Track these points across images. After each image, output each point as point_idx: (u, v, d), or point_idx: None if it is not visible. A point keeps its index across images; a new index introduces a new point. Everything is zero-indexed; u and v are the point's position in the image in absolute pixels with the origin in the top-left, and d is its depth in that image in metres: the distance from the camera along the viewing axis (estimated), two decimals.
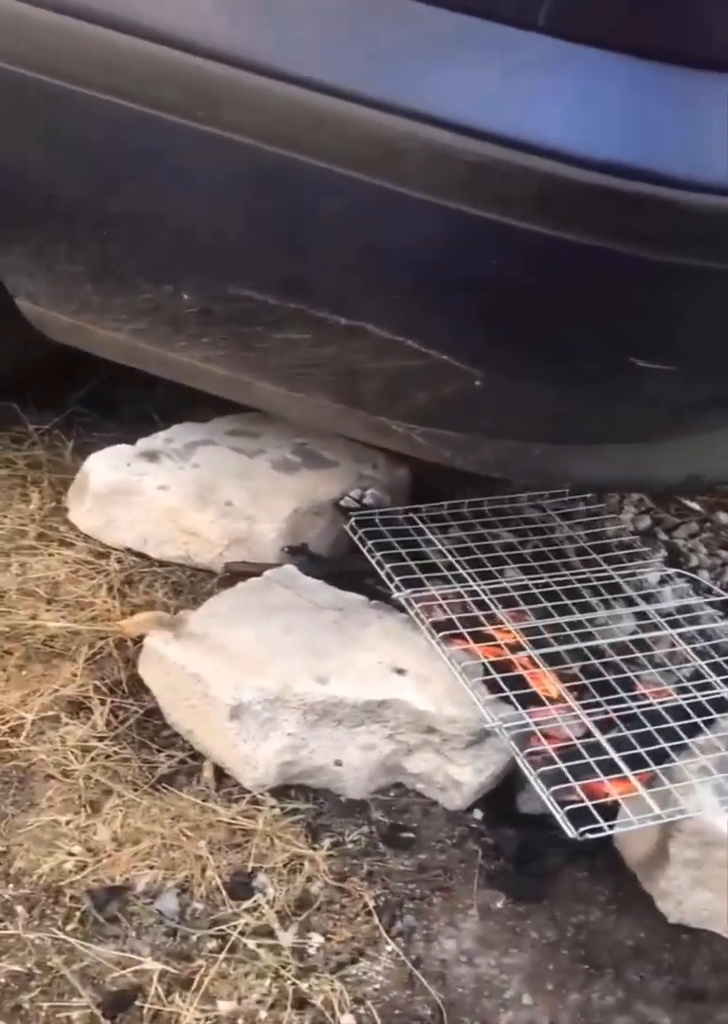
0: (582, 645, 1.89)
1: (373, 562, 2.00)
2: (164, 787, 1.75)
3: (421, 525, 2.14)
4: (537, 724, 1.71)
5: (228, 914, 1.58)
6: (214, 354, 1.80)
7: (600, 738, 1.69)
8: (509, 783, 1.78)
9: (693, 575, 2.23)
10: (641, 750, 1.67)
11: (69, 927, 1.55)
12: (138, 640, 1.93)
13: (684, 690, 1.82)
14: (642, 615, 2.02)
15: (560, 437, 1.74)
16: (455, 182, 1.40)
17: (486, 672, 1.79)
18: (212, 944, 1.55)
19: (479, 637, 1.88)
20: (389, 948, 1.57)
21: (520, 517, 2.27)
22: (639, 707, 1.76)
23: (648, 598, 2.08)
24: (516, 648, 1.87)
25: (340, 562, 2.16)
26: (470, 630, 1.88)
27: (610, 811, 1.61)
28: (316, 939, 1.57)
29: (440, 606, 1.93)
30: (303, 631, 1.86)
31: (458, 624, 1.88)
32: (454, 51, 1.40)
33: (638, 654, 1.91)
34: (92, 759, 1.78)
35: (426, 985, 1.53)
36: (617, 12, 1.34)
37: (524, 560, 2.12)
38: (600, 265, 1.43)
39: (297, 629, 1.86)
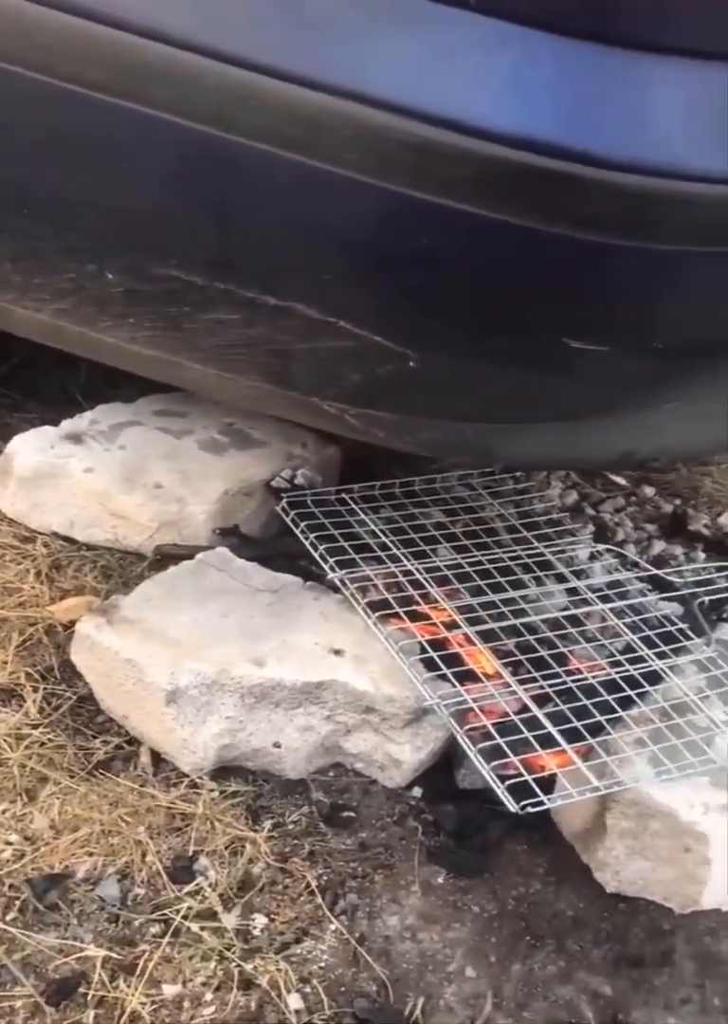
0: (516, 622, 1.93)
1: (307, 543, 2.02)
2: (101, 773, 1.77)
3: (353, 505, 2.16)
4: (475, 700, 1.74)
5: (170, 898, 1.60)
6: (141, 334, 1.80)
7: (537, 712, 1.73)
8: (447, 760, 1.83)
9: (620, 550, 2.28)
10: (577, 723, 1.71)
11: (9, 917, 1.56)
12: (69, 626, 1.94)
13: (617, 664, 1.87)
14: (573, 591, 2.07)
15: (494, 417, 1.76)
16: (379, 161, 1.40)
17: (423, 651, 1.82)
18: (155, 929, 1.57)
19: (414, 616, 1.91)
20: (333, 927, 1.60)
21: (451, 496, 2.30)
22: (574, 681, 1.81)
23: (579, 574, 2.13)
24: (451, 626, 1.90)
25: (272, 543, 2.18)
26: (406, 609, 1.91)
27: (548, 784, 1.65)
28: (260, 920, 1.59)
29: (375, 586, 1.96)
30: (239, 614, 1.87)
31: (393, 603, 1.91)
32: (380, 27, 1.39)
33: (571, 629, 1.95)
34: (26, 747, 1.78)
35: (371, 962, 1.56)
36: None
37: (456, 538, 2.15)
38: (530, 245, 1.44)
39: (233, 612, 1.88)
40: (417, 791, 1.82)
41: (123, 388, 2.36)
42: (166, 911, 1.59)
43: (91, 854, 1.65)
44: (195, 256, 1.59)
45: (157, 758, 1.80)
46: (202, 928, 1.57)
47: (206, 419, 2.35)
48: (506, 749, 1.65)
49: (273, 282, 1.55)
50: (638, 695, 1.80)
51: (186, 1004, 1.48)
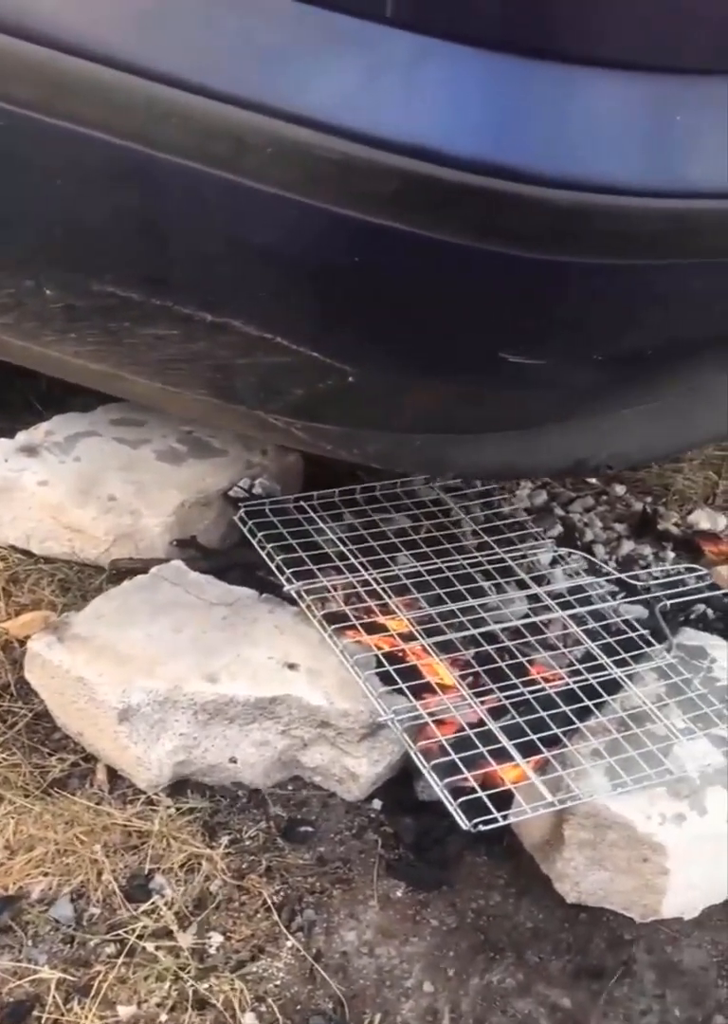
0: (475, 631, 1.94)
1: (264, 554, 2.03)
2: (56, 791, 1.79)
3: (312, 514, 2.17)
4: (430, 714, 1.76)
5: (126, 918, 1.62)
6: (84, 349, 1.81)
7: (492, 726, 1.74)
8: (407, 772, 1.83)
9: (584, 554, 2.29)
10: (533, 736, 1.73)
11: None
12: (24, 641, 1.94)
13: (576, 672, 1.89)
14: (534, 597, 2.08)
15: (441, 428, 1.77)
16: (303, 177, 1.41)
17: (379, 663, 1.83)
18: (110, 949, 1.59)
19: (372, 627, 1.92)
20: (289, 944, 1.62)
21: (414, 501, 2.31)
22: (531, 692, 1.82)
23: (540, 580, 2.14)
24: (409, 637, 1.92)
25: (231, 554, 2.19)
26: (363, 621, 1.92)
27: (505, 799, 1.66)
28: (216, 938, 1.61)
29: (333, 597, 1.97)
30: (192, 629, 1.89)
31: (350, 616, 1.92)
32: (301, 43, 1.39)
33: (530, 638, 1.97)
34: None
35: (327, 979, 1.58)
36: (461, 4, 1.34)
37: (417, 546, 2.16)
38: (461, 262, 1.44)
39: (186, 627, 1.89)
40: (377, 804, 1.84)
41: (83, 397, 2.35)
42: (121, 931, 1.61)
43: (46, 874, 1.67)
44: (130, 272, 1.60)
45: (113, 775, 1.82)
46: (157, 947, 1.59)
47: (164, 428, 2.36)
48: (460, 765, 1.67)
49: (209, 299, 1.56)
50: (596, 705, 1.82)
51: None
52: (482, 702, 1.80)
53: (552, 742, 1.74)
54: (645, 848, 1.63)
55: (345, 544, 2.11)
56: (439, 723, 1.75)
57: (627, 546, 2.44)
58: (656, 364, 1.61)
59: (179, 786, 1.82)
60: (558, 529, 2.43)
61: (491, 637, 1.95)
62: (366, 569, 2.04)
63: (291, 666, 1.83)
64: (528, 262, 1.41)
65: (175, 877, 1.68)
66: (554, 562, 2.22)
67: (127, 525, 2.15)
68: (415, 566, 2.09)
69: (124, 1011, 1.51)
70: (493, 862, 1.78)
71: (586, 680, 1.86)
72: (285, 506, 2.18)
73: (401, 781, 1.85)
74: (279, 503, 2.18)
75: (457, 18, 1.33)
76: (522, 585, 2.11)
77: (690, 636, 2.02)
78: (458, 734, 1.74)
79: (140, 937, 1.59)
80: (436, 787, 1.64)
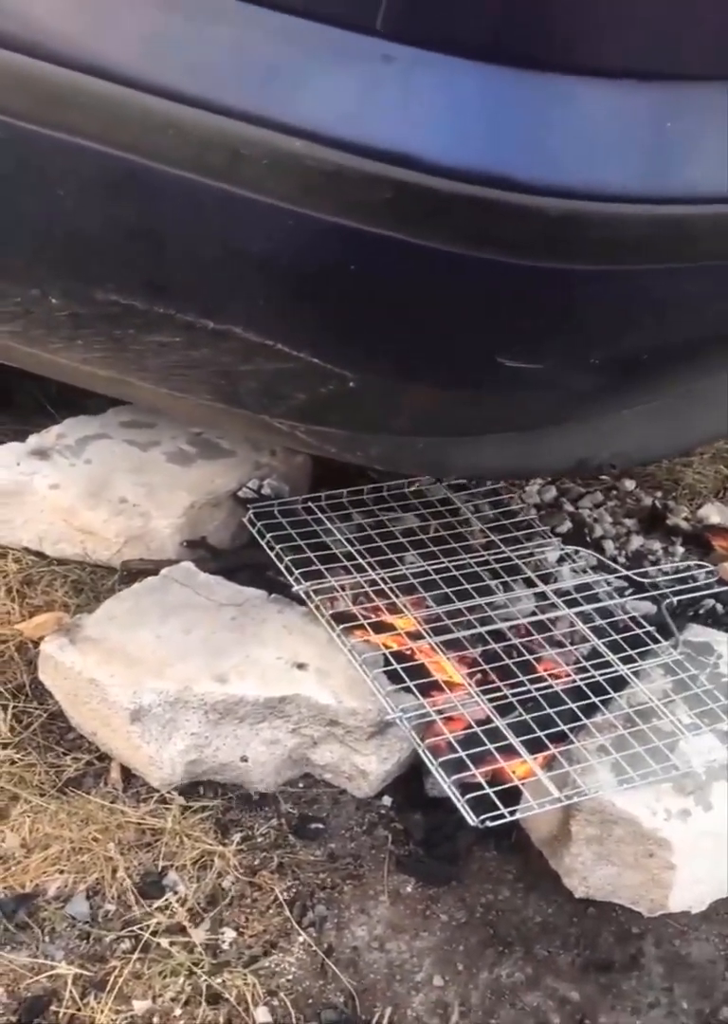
0: (482, 629, 1.98)
1: (272, 555, 2.07)
2: (72, 790, 1.83)
3: (320, 514, 2.21)
4: (438, 712, 1.80)
5: (140, 914, 1.67)
6: (90, 355, 1.84)
7: (499, 723, 1.78)
8: (417, 768, 1.87)
9: (591, 552, 2.31)
10: (540, 733, 1.77)
11: None
12: (39, 643, 1.98)
13: (583, 670, 1.92)
14: (542, 595, 2.12)
15: (443, 430, 1.80)
16: (298, 187, 1.43)
17: (387, 662, 1.87)
18: (125, 945, 1.63)
19: (380, 626, 1.96)
20: (301, 939, 1.66)
21: (421, 501, 2.35)
22: (538, 689, 1.86)
23: (547, 578, 2.17)
24: (417, 636, 1.96)
25: (240, 555, 2.22)
26: (371, 620, 1.96)
27: (513, 795, 1.70)
28: (228, 934, 1.66)
29: (341, 597, 2.01)
30: (202, 630, 1.93)
31: (358, 615, 1.96)
32: (295, 55, 1.42)
33: (537, 635, 2.01)
34: None
35: (338, 973, 1.63)
36: (452, 16, 1.36)
37: (425, 545, 2.20)
38: (455, 270, 1.47)
39: (196, 628, 1.93)
40: (387, 800, 1.88)
41: (94, 399, 2.38)
42: (136, 927, 1.65)
43: (62, 871, 1.72)
44: (131, 281, 1.63)
45: (127, 773, 1.86)
46: (171, 943, 1.63)
47: (173, 430, 2.40)
48: (468, 761, 1.71)
49: (209, 306, 1.59)
50: (603, 701, 1.85)
51: (156, 1020, 1.54)
52: (489, 699, 1.83)
53: (559, 739, 1.78)
54: (651, 843, 1.67)
55: (353, 544, 2.15)
56: (447, 720, 1.80)
57: (636, 541, 2.47)
58: (654, 366, 1.64)
59: (191, 784, 1.86)
60: (567, 525, 2.46)
61: (498, 635, 1.99)
62: (374, 569, 2.08)
63: (300, 666, 1.87)
64: (521, 269, 1.44)
65: (188, 874, 1.73)
66: (561, 560, 2.25)
67: (138, 527, 2.19)
68: (423, 565, 2.12)
69: (139, 1005, 1.56)
70: (502, 857, 1.82)
71: (593, 677, 1.90)
72: (293, 507, 2.22)
73: (411, 778, 1.89)
74: (287, 504, 2.22)
75: (447, 30, 1.36)
76: (529, 583, 2.15)
77: (697, 632, 2.05)
78: (466, 731, 1.78)
79: (154, 933, 1.64)
80: (444, 784, 1.68)
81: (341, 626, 1.92)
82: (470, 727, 1.79)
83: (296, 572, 2.02)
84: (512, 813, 1.67)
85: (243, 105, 1.39)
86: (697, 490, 2.75)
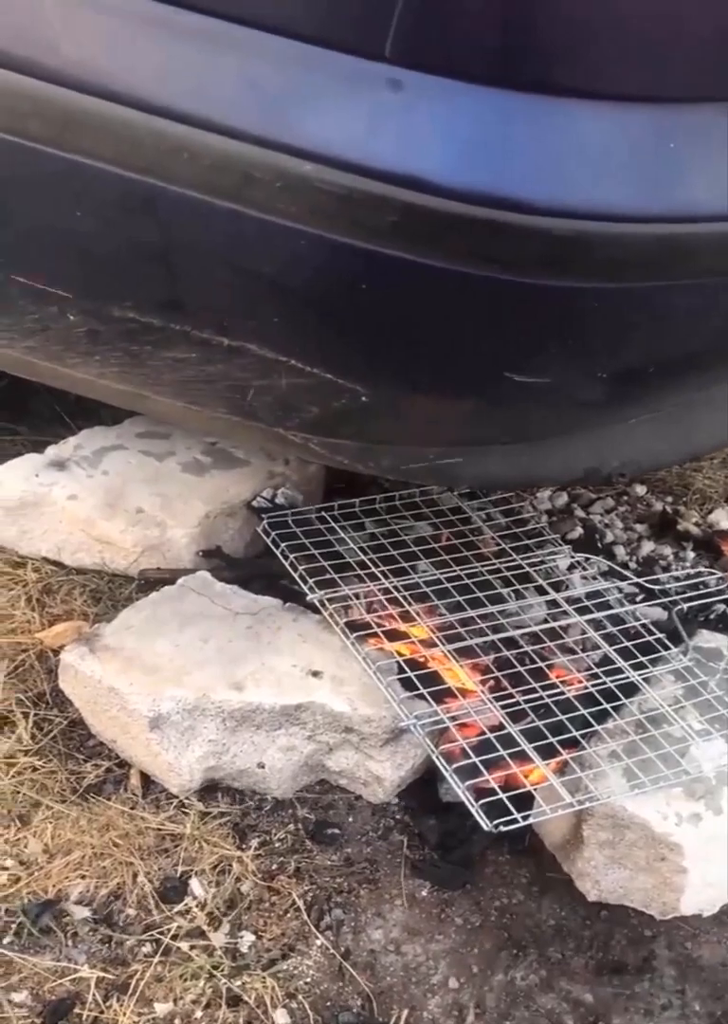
0: (495, 637, 2.01)
1: (286, 564, 2.10)
2: (92, 797, 1.87)
3: (334, 523, 2.24)
4: (451, 718, 1.82)
5: (160, 918, 1.71)
6: (108, 370, 1.88)
7: (512, 729, 1.81)
8: (432, 774, 1.90)
9: (601, 559, 2.33)
10: (553, 739, 1.80)
11: (5, 940, 1.67)
12: (59, 651, 2.02)
13: (594, 676, 1.96)
14: (553, 603, 2.15)
15: (454, 442, 1.83)
16: (308, 209, 1.46)
17: (400, 670, 1.90)
18: (146, 949, 1.67)
19: (393, 634, 1.99)
20: (318, 942, 1.70)
21: (433, 509, 2.38)
22: (550, 696, 1.88)
23: (558, 585, 2.20)
24: (430, 643, 1.99)
25: (256, 564, 2.27)
26: (384, 628, 1.99)
27: (526, 800, 1.73)
28: (247, 937, 1.70)
29: (354, 605, 2.04)
30: (218, 638, 1.96)
31: (372, 623, 2.00)
32: (304, 79, 1.45)
33: (549, 642, 2.03)
34: (19, 773, 1.89)
35: (355, 976, 1.66)
36: (461, 42, 1.40)
37: (437, 554, 2.22)
38: (462, 288, 1.51)
39: (212, 637, 1.96)
40: (402, 805, 1.91)
41: (111, 410, 2.39)
42: (156, 931, 1.69)
43: (83, 877, 1.76)
44: (149, 299, 1.66)
45: (147, 780, 1.90)
46: (191, 947, 1.67)
47: (189, 440, 2.44)
48: (481, 767, 1.74)
49: (225, 324, 1.62)
50: (614, 707, 1.88)
51: (177, 1022, 1.58)
52: (502, 706, 1.86)
53: (571, 744, 1.81)
54: (662, 847, 1.70)
55: (366, 553, 2.18)
56: (460, 727, 1.82)
57: (647, 547, 2.49)
58: (659, 377, 1.68)
59: (210, 790, 1.90)
60: (578, 531, 2.49)
61: (511, 642, 2.02)
62: (387, 577, 2.11)
63: (315, 673, 1.90)
64: (526, 287, 1.48)
65: (207, 879, 1.76)
66: (572, 567, 2.28)
67: (154, 537, 2.23)
68: (435, 574, 2.15)
69: (161, 1008, 1.60)
70: (516, 861, 1.86)
71: (604, 683, 1.93)
72: (307, 516, 2.25)
73: (426, 783, 1.93)
74: (301, 513, 2.26)
75: (453, 55, 1.39)
76: (541, 591, 2.17)
77: (707, 638, 2.08)
78: (479, 737, 1.81)
79: (174, 937, 1.68)
80: (458, 789, 1.71)
81: (355, 634, 1.95)
82: (483, 733, 1.82)
83: (310, 581, 2.04)
84: (525, 818, 1.69)
85: (254, 128, 1.43)
86: (708, 495, 2.78)
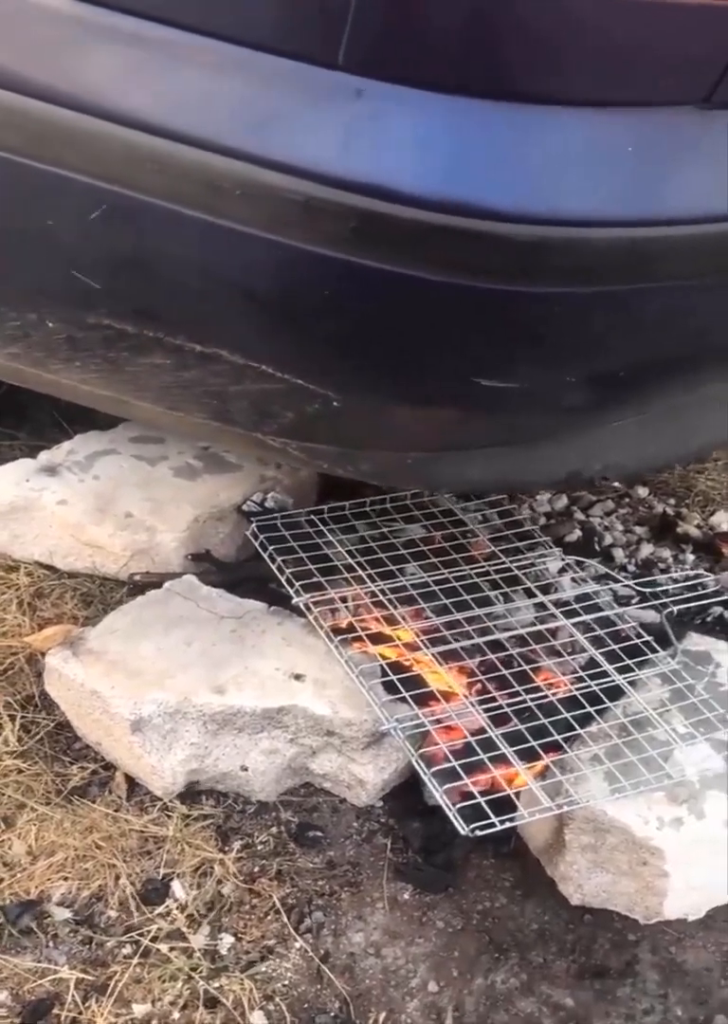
0: (480, 640, 2.02)
1: (274, 567, 2.11)
2: (77, 799, 1.89)
3: (323, 526, 2.25)
4: (433, 722, 1.84)
5: (141, 920, 1.73)
6: (89, 376, 1.90)
7: (493, 733, 1.82)
8: (415, 777, 1.89)
9: (602, 559, 2.36)
10: (534, 743, 1.80)
11: None
12: (47, 655, 2.04)
13: (580, 680, 1.96)
14: (541, 606, 2.16)
15: (429, 446, 1.84)
16: (270, 217, 1.48)
17: (384, 673, 1.91)
18: (126, 950, 1.69)
19: (378, 638, 2.01)
20: (298, 945, 1.71)
21: (423, 513, 2.38)
22: (534, 699, 1.89)
23: (547, 588, 2.20)
24: (415, 647, 1.99)
25: (244, 567, 2.28)
26: (369, 632, 2.00)
27: (508, 804, 1.74)
28: (227, 940, 1.71)
29: (340, 609, 2.05)
30: (202, 642, 1.98)
31: (356, 627, 2.01)
32: (261, 90, 1.46)
33: (536, 646, 2.04)
34: (4, 775, 1.91)
35: (333, 979, 1.67)
36: (412, 49, 1.40)
37: (426, 557, 2.23)
38: (427, 294, 1.52)
39: (196, 640, 1.98)
40: (386, 808, 1.92)
41: (104, 415, 2.42)
42: (137, 933, 1.71)
43: (66, 878, 1.78)
44: (122, 307, 1.69)
45: (132, 782, 1.92)
46: (171, 949, 1.69)
47: (181, 444, 2.45)
48: (461, 771, 1.75)
49: (197, 331, 1.65)
50: (598, 711, 1.88)
51: (154, 1023, 1.60)
52: (485, 709, 1.87)
53: (553, 748, 1.81)
54: (643, 851, 1.70)
55: (354, 556, 2.19)
56: (443, 730, 1.84)
57: (646, 549, 2.49)
58: (634, 381, 1.68)
59: (194, 793, 1.92)
60: (577, 534, 2.49)
61: (497, 646, 2.03)
62: (374, 580, 2.12)
63: (297, 677, 1.91)
64: (490, 292, 1.49)
65: (189, 881, 1.78)
66: (562, 570, 2.28)
67: (143, 541, 2.25)
68: (423, 577, 2.16)
69: (139, 1009, 1.61)
70: (499, 865, 1.86)
71: (589, 687, 1.93)
72: (297, 519, 2.27)
73: (410, 786, 1.93)
74: (291, 516, 2.27)
75: (408, 63, 1.40)
76: (529, 594, 2.18)
77: (696, 642, 2.08)
78: (461, 741, 1.82)
79: (154, 939, 1.70)
80: (436, 792, 1.73)
81: (339, 637, 1.97)
82: (465, 737, 1.83)
83: (296, 584, 2.06)
84: (502, 822, 1.70)
85: (219, 138, 1.45)
86: (710, 497, 2.78)
